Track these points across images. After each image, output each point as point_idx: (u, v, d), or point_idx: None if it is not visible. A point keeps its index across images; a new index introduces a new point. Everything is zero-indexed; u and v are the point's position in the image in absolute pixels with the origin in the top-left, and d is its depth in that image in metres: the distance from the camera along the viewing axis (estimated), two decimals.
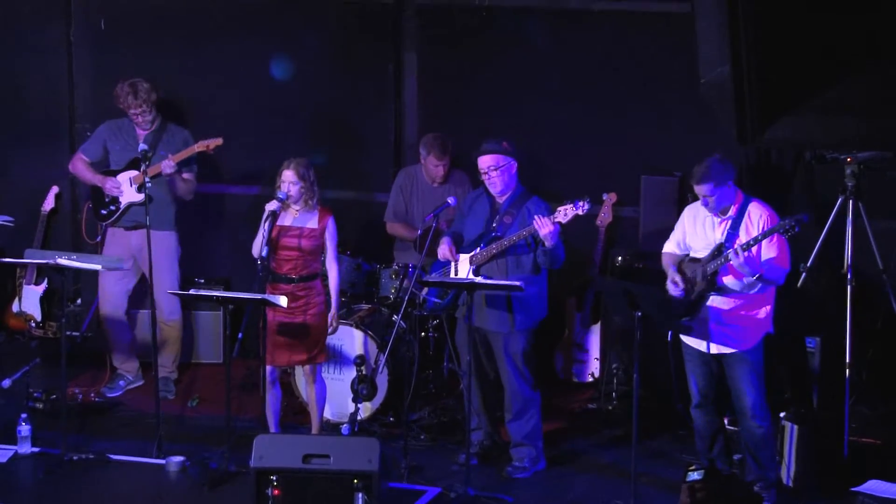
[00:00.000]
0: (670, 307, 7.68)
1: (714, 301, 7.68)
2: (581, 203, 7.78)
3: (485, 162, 8.13)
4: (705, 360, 7.80)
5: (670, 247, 8.00)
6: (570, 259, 8.25)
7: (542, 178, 9.39)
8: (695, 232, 7.83)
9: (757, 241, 7.49)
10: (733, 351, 7.69)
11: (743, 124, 8.01)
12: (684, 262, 7.84)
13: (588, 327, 9.81)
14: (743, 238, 7.57)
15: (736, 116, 7.94)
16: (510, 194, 8.16)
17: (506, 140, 8.18)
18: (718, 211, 7.67)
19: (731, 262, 7.48)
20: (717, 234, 7.70)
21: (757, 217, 7.62)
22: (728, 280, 7.63)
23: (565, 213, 7.81)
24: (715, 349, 7.73)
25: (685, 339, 7.83)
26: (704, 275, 7.66)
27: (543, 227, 7.83)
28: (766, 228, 7.57)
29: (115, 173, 9.47)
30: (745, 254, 7.44)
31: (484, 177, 8.15)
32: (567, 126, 9.96)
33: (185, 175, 9.46)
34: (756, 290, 7.63)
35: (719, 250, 7.60)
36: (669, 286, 7.76)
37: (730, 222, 7.67)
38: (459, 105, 10.19)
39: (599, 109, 9.88)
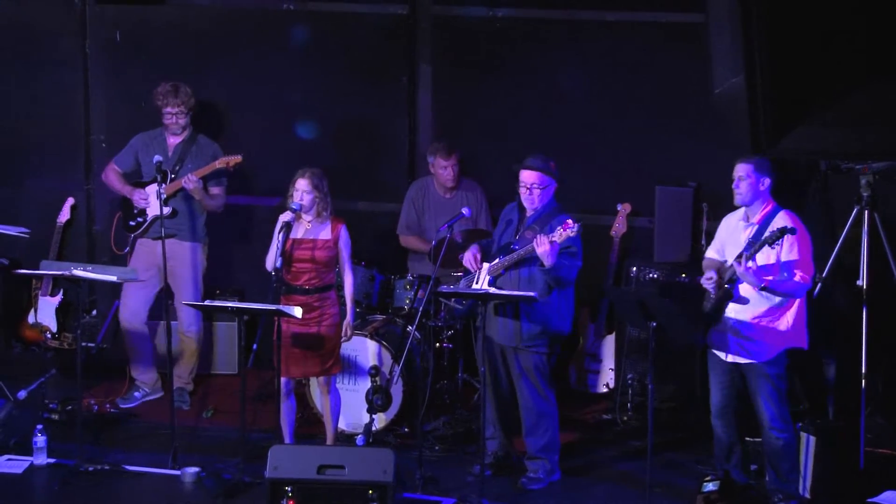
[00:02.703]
0: (685, 318, 7.66)
1: (733, 311, 7.66)
2: (572, 225, 7.77)
3: (528, 177, 8.10)
4: (727, 369, 7.78)
5: (711, 253, 7.99)
6: (584, 269, 8.23)
7: (558, 189, 9.38)
8: (728, 239, 7.81)
9: (755, 251, 7.45)
10: (750, 362, 7.67)
11: (757, 134, 7.97)
12: (721, 269, 7.81)
13: (602, 338, 9.79)
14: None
15: (750, 126, 7.91)
16: (539, 210, 8.14)
17: (553, 161, 8.16)
18: (745, 205, 7.63)
19: (736, 271, 7.48)
20: (742, 240, 7.69)
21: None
22: (743, 289, 7.62)
23: (560, 233, 7.80)
24: (732, 359, 7.71)
25: (712, 347, 7.81)
26: (721, 283, 7.65)
27: (540, 245, 7.81)
28: (790, 242, 7.52)
29: (146, 184, 9.50)
30: (749, 263, 7.41)
31: (524, 191, 8.11)
32: (581, 136, 9.95)
33: (214, 190, 9.47)
34: (777, 301, 7.60)
35: (739, 258, 7.59)
36: (704, 283, 7.73)
37: (754, 229, 7.64)
38: (473, 116, 10.19)
39: (614, 119, 9.87)
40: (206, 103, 9.96)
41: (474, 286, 8.19)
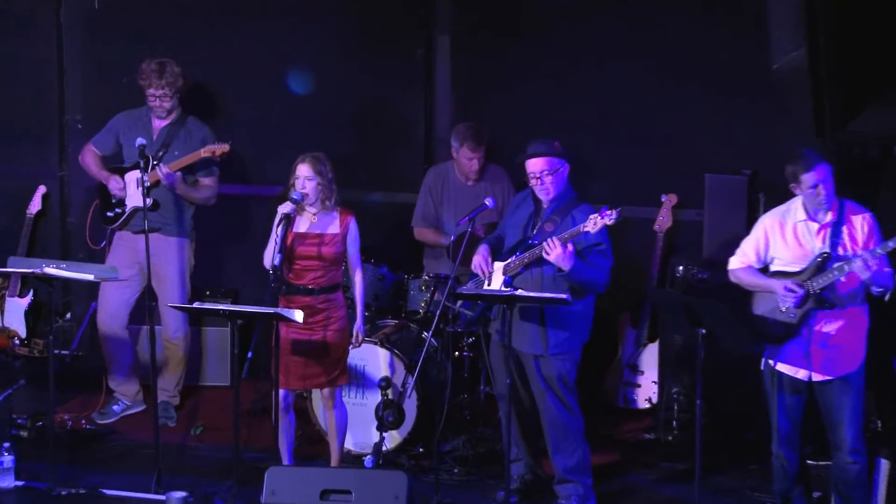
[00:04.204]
0: (739, 323, 7.61)
1: (818, 323, 7.58)
2: (609, 212, 7.70)
3: (536, 166, 8.06)
4: (801, 389, 7.70)
5: (747, 259, 7.81)
6: (624, 270, 8.18)
7: (592, 178, 9.35)
8: (784, 242, 7.68)
9: (886, 249, 7.36)
10: (836, 378, 7.59)
11: (821, 115, 7.94)
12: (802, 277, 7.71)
13: (643, 346, 9.76)
14: (848, 245, 7.47)
15: (813, 106, 7.87)
16: (556, 198, 8.10)
17: (556, 140, 8.12)
18: (823, 208, 7.54)
19: (858, 274, 7.35)
20: (817, 242, 7.58)
21: (860, 220, 7.52)
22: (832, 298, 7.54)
23: (594, 222, 7.73)
24: (818, 376, 7.61)
25: (779, 365, 7.73)
26: (810, 295, 7.53)
27: (552, 249, 7.76)
28: (869, 230, 7.47)
29: (126, 171, 9.48)
30: (875, 263, 7.32)
31: (534, 182, 8.08)
32: (621, 118, 9.91)
33: (205, 180, 9.46)
34: (857, 303, 7.54)
35: (825, 260, 7.50)
36: (785, 295, 7.61)
37: (830, 228, 7.54)
38: (498, 95, 10.16)
39: (658, 98, 9.82)
40: (197, 81, 9.94)
41: (486, 289, 8.15)
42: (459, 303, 8.43)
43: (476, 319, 8.38)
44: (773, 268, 7.71)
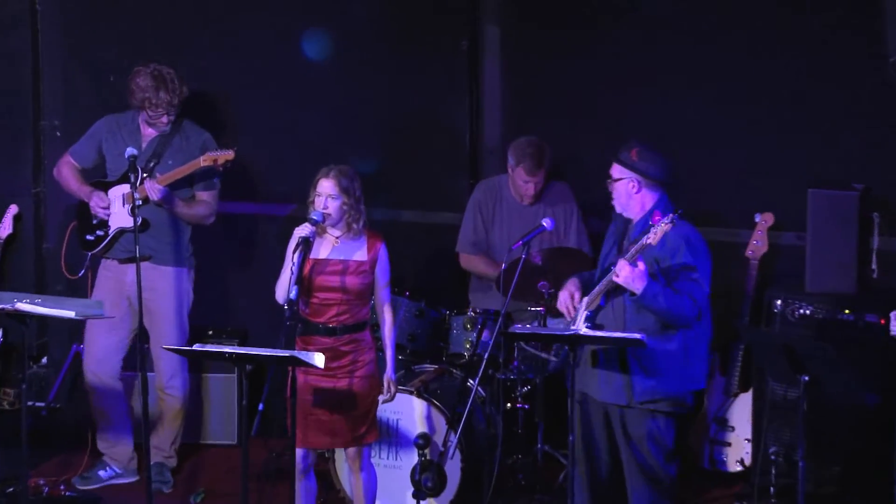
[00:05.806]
0: (851, 369, 7.56)
1: None
2: (661, 215, 7.64)
3: (611, 169, 8.03)
4: None
5: None
6: (711, 304, 8.12)
7: (673, 194, 9.30)
8: None
9: None
10: None
11: None
12: None
13: (734, 397, 9.71)
14: None
15: None
16: (643, 217, 8.03)
17: (638, 148, 8.03)
18: None
19: None
20: None
21: None
22: None
23: (654, 232, 7.66)
24: None
25: None
26: None
27: (620, 270, 7.69)
28: None
29: (111, 185, 9.46)
30: None
31: (609, 187, 8.06)
32: (704, 124, 9.90)
33: (203, 195, 9.45)
34: None
35: None
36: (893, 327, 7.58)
37: None
38: (557, 94, 10.18)
39: (749, 101, 9.81)
40: (193, 76, 9.93)
41: (571, 329, 8.10)
42: (554, 350, 8.41)
43: (561, 366, 8.34)
44: None
